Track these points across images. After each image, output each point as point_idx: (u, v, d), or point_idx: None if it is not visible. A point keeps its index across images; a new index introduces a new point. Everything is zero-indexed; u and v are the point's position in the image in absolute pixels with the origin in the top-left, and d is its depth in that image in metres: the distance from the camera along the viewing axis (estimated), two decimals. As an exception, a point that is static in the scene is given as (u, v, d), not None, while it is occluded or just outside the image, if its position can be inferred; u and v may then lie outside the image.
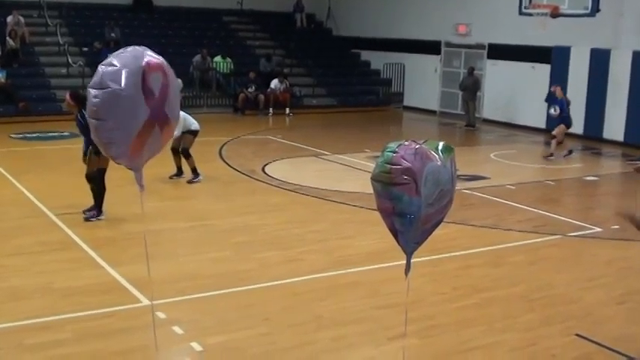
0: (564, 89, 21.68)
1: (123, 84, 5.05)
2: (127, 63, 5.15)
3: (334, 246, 10.30)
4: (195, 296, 8.19)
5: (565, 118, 18.11)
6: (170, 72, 5.44)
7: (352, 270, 9.23)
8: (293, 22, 30.52)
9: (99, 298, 8.00)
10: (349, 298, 8.26)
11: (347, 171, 15.83)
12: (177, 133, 13.28)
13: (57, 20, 26.18)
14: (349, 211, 12.21)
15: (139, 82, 5.08)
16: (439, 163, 5.13)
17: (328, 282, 8.80)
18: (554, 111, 18.08)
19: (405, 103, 28.33)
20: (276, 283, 8.71)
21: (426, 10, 26.68)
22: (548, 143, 18.55)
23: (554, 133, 18.08)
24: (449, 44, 26.56)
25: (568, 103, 18.32)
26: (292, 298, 8.30)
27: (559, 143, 17.98)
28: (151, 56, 5.36)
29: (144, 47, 5.46)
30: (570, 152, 18.24)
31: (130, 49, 5.41)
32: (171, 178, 13.90)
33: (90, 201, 11.17)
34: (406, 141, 5.11)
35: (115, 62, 5.19)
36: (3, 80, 22.20)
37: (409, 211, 5.03)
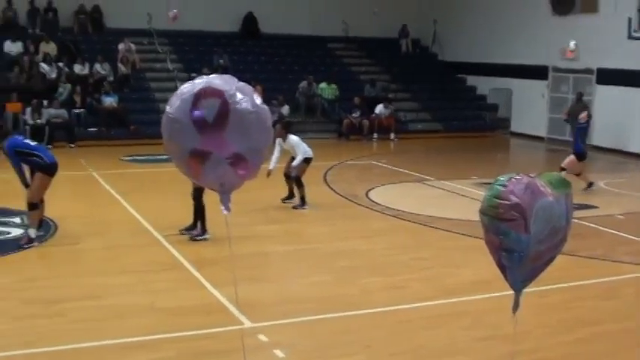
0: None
1: (172, 108, 5.32)
2: (185, 88, 5.38)
3: (439, 274, 10.16)
4: (298, 320, 8.18)
5: (576, 148, 16.50)
6: (240, 101, 5.29)
7: (457, 299, 9.07)
8: (398, 47, 30.49)
9: (201, 318, 8.09)
10: (452, 328, 8.11)
11: (452, 197, 15.63)
12: (299, 159, 13.37)
13: (166, 47, 26.89)
14: (454, 238, 12.02)
15: (187, 107, 5.21)
16: (551, 198, 4.92)
17: (432, 311, 8.67)
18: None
19: (513, 129, 27.84)
20: (378, 310, 8.61)
21: (533, 34, 26.21)
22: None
23: (563, 165, 16.26)
24: (556, 69, 26.04)
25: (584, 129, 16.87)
26: (395, 326, 8.19)
27: (577, 175, 16.12)
28: (219, 84, 5.31)
29: (229, 76, 5.53)
30: (591, 184, 16.46)
31: (222, 76, 5.55)
32: (283, 201, 13.87)
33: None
34: (518, 174, 4.94)
35: (181, 88, 5.45)
36: (115, 104, 22.94)
37: (517, 248, 4.84)
